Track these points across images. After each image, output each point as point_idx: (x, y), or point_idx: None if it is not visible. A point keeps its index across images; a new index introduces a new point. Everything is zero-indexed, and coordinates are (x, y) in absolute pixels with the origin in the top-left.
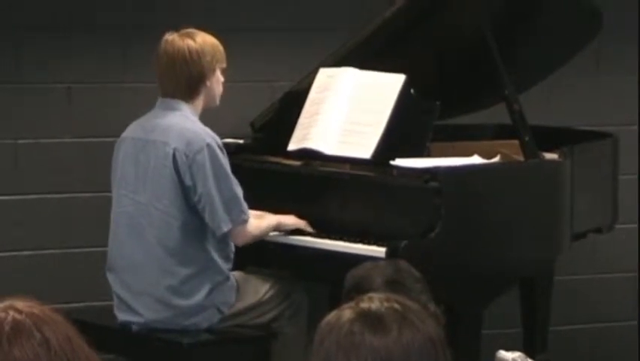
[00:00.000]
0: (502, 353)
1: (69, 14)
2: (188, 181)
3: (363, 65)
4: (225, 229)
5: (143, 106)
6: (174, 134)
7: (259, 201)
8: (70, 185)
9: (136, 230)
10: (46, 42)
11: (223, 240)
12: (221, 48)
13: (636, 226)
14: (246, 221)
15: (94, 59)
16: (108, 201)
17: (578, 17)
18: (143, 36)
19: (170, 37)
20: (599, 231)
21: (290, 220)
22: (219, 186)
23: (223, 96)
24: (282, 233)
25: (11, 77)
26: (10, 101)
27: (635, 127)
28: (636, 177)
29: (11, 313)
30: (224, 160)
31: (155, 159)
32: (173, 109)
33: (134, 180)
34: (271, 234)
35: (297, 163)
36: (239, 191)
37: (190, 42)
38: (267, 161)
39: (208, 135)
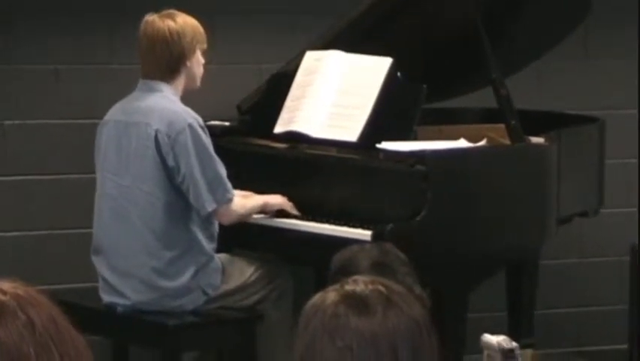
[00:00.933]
0: (487, 337)
1: None
2: (171, 162)
3: (350, 48)
4: (209, 208)
5: (131, 87)
6: (156, 116)
7: (245, 184)
8: (57, 166)
9: (120, 213)
10: (34, 23)
11: (207, 219)
12: (201, 29)
13: (624, 210)
14: (230, 200)
15: (81, 40)
16: (95, 183)
17: (567, 0)
18: (130, 17)
19: (151, 18)
20: (584, 215)
21: (276, 200)
22: (202, 165)
23: (210, 78)
24: (268, 215)
25: None
26: None
27: (622, 111)
28: (623, 161)
29: None
30: (207, 140)
31: (137, 140)
32: (153, 90)
33: (116, 163)
34: (256, 216)
35: (284, 146)
36: (222, 170)
37: (170, 23)
38: (253, 143)
39: (189, 115)
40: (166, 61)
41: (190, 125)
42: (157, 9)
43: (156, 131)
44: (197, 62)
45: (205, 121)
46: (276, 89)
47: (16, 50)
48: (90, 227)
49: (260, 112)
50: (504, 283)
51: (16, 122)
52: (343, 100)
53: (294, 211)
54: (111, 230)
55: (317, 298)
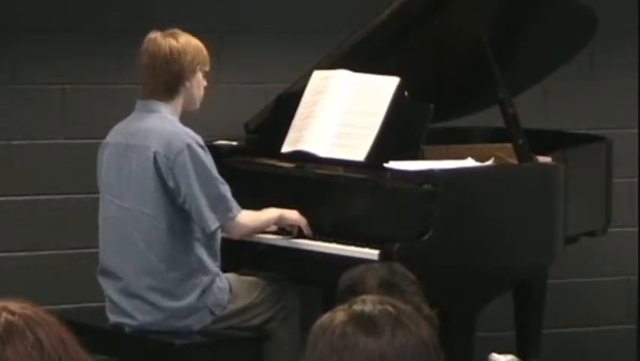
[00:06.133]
0: (495, 356)
1: (64, 16)
2: (171, 183)
3: (358, 68)
4: (213, 227)
5: None
6: (154, 138)
7: (252, 203)
8: (64, 186)
9: (123, 235)
10: (41, 43)
11: (211, 237)
12: (204, 51)
13: (630, 229)
14: (233, 218)
15: (88, 60)
16: None
17: (574, 20)
18: (137, 37)
19: (153, 35)
20: (592, 234)
21: (293, 216)
22: (203, 185)
23: (217, 97)
24: (279, 237)
25: (6, 78)
26: (5, 102)
27: (629, 130)
28: (629, 180)
29: (4, 314)
30: (207, 159)
31: (137, 163)
32: (151, 111)
33: (117, 186)
34: (263, 236)
35: (291, 165)
36: (224, 189)
37: (172, 41)
38: (260, 163)
39: (188, 135)
40: (165, 79)
41: (188, 146)
42: (166, 29)
43: (155, 153)
44: (198, 84)
45: (212, 140)
46: (284, 108)
47: (24, 70)
48: (97, 247)
49: (267, 131)
50: (512, 303)
51: (23, 142)
52: (351, 119)
53: (308, 230)
54: (115, 252)
55: (325, 318)
